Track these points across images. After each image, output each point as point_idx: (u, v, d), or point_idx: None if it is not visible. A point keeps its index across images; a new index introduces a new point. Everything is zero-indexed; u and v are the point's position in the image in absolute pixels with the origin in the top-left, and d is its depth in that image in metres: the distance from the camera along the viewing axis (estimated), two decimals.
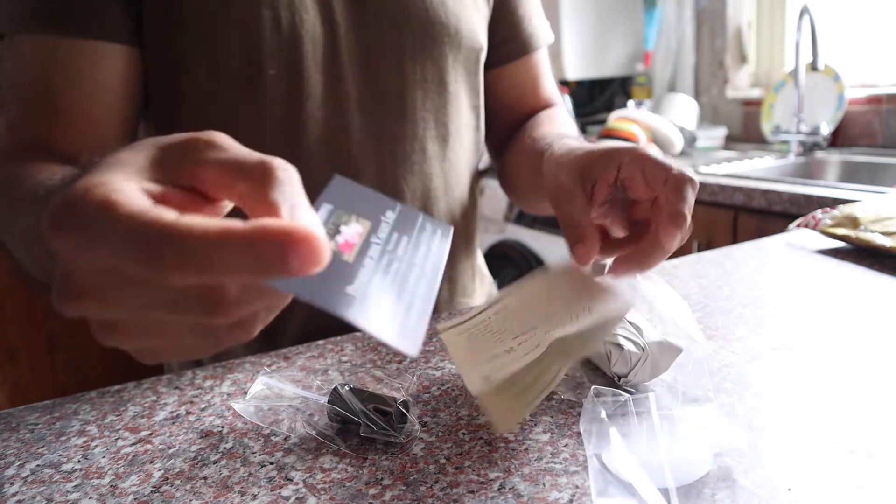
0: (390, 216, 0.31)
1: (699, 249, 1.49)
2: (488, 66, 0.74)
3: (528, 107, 0.78)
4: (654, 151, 0.44)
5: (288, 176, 0.24)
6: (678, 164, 0.43)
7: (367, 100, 0.63)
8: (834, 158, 1.82)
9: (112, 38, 0.55)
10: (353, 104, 0.62)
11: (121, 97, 0.57)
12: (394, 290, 0.28)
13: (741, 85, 2.27)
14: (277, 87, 0.59)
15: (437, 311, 0.67)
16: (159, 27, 0.56)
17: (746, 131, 2.19)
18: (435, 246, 0.32)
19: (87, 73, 0.54)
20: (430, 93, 0.66)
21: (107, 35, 0.54)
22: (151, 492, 0.36)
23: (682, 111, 2.12)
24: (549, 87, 0.80)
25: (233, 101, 0.59)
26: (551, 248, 1.94)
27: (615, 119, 2.03)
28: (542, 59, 0.79)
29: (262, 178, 0.24)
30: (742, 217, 1.45)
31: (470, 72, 0.70)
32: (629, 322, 0.45)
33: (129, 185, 0.23)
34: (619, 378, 0.44)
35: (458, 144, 0.70)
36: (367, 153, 0.64)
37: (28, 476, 0.39)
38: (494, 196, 2.00)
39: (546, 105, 0.79)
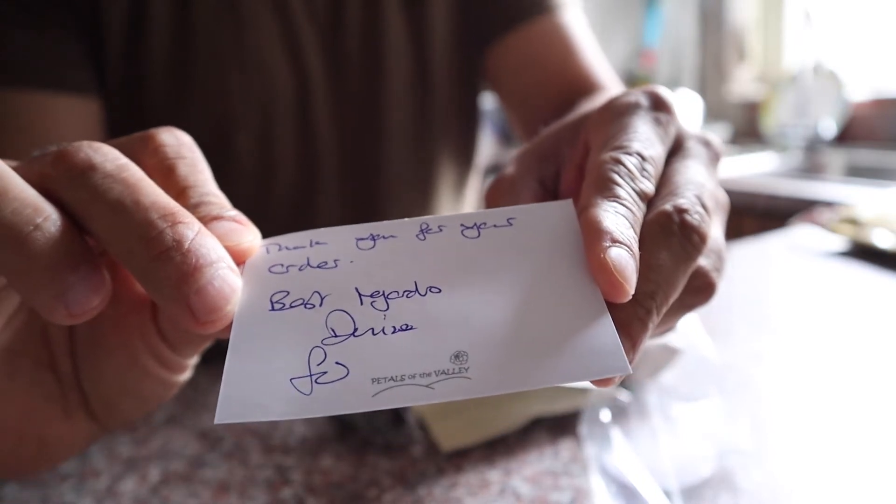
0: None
1: None
2: (487, 41, 0.60)
3: (554, 92, 0.57)
4: (643, 123, 0.24)
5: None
6: (692, 170, 0.24)
7: (342, 155, 0.59)
8: (837, 157, 1.82)
9: (59, 88, 0.49)
10: (326, 162, 0.58)
11: None
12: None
13: (744, 83, 2.26)
14: (248, 156, 0.55)
15: None
16: (121, 79, 0.53)
17: (749, 130, 2.18)
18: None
19: (27, 126, 0.49)
20: (410, 142, 0.61)
21: (53, 85, 0.49)
22: (149, 493, 0.36)
23: (685, 107, 2.11)
24: (586, 65, 0.58)
25: None
26: None
27: None
28: (564, 28, 0.59)
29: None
30: (745, 221, 1.45)
31: (462, 106, 0.63)
32: None
33: None
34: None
35: (441, 187, 0.64)
36: (341, 211, 0.60)
37: (24, 478, 0.38)
38: None
39: (586, 89, 0.56)
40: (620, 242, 0.20)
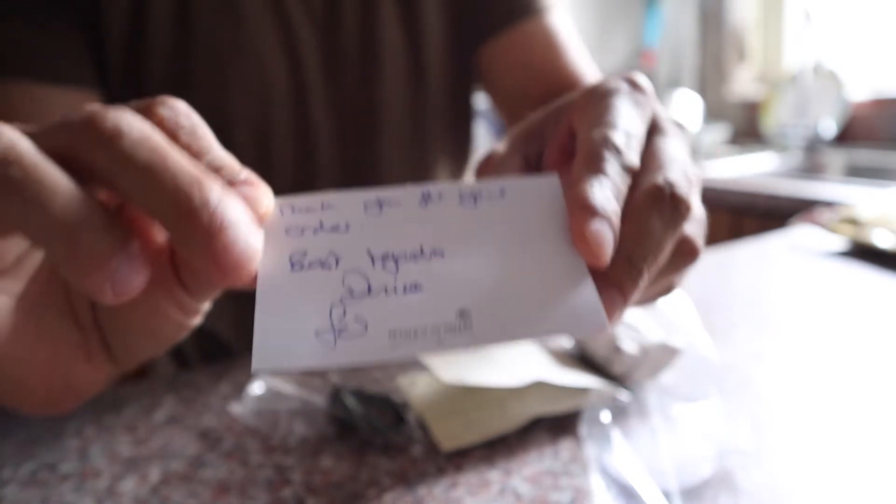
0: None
1: None
2: (478, 42, 0.62)
3: (543, 92, 0.58)
4: (624, 104, 0.26)
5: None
6: (668, 147, 0.27)
7: (338, 152, 0.59)
8: (837, 157, 1.82)
9: (57, 81, 0.50)
10: (323, 158, 0.59)
11: None
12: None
13: (744, 83, 2.26)
14: (245, 151, 0.55)
15: None
16: (121, 76, 0.53)
17: (749, 130, 2.18)
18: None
19: (24, 117, 0.48)
20: (406, 139, 0.61)
21: (52, 77, 0.49)
22: (149, 493, 0.36)
23: (685, 107, 2.11)
24: (573, 66, 0.59)
25: None
26: None
27: None
28: (551, 30, 0.60)
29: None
30: (745, 221, 1.45)
31: (457, 103, 0.64)
32: (629, 322, 0.45)
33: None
34: (619, 379, 0.44)
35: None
36: None
37: (24, 478, 0.38)
38: None
39: (573, 88, 0.56)
40: (601, 216, 0.22)
